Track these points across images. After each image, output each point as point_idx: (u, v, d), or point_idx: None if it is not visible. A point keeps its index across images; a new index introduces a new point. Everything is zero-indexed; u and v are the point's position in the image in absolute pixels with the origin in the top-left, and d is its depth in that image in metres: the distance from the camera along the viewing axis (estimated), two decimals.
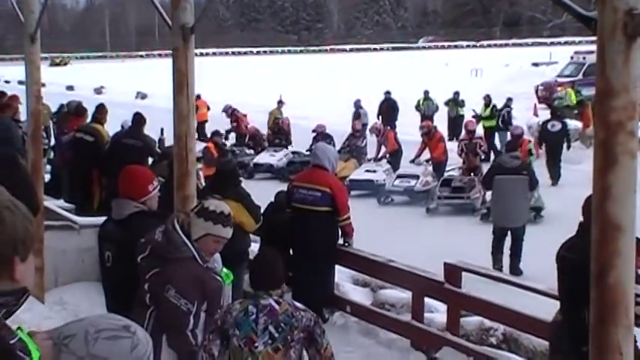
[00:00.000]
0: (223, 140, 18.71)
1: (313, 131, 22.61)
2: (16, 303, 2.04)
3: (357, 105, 28.82)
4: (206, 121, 28.62)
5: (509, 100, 26.98)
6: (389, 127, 23.87)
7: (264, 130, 26.12)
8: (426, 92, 30.50)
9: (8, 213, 1.96)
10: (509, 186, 13.44)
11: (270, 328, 4.78)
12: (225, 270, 5.45)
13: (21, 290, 2.02)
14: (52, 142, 17.84)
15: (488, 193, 17.34)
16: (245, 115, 27.05)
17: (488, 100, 26.98)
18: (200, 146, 14.37)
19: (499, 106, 26.58)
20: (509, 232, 13.36)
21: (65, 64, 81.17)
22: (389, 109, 29.61)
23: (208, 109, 29.40)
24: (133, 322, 2.15)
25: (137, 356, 2.07)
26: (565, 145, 21.97)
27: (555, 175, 20.71)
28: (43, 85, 10.05)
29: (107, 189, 12.05)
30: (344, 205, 9.74)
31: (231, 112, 27.03)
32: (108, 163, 12.36)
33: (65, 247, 10.05)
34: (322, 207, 9.63)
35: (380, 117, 28.80)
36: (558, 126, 22.12)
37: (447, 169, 20.03)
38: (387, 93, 30.52)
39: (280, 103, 28.59)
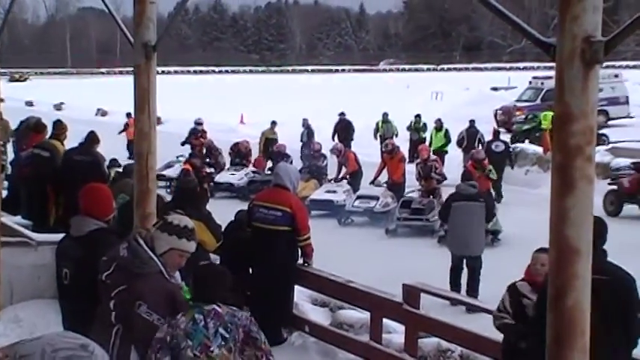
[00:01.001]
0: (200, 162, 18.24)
1: (273, 151, 22.69)
2: None
3: (306, 124, 28.89)
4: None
5: (473, 121, 26.74)
6: (348, 148, 24.01)
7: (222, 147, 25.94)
8: (385, 114, 30.43)
9: None
10: (466, 213, 13.43)
11: (221, 330, 4.80)
12: (185, 287, 5.42)
13: None
14: (10, 158, 17.62)
15: None
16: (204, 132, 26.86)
17: (439, 124, 27.13)
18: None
19: (460, 128, 26.72)
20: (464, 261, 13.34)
21: (25, 79, 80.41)
22: (343, 130, 29.62)
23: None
24: (93, 341, 2.14)
25: None
26: (509, 165, 23.04)
27: (498, 194, 20.85)
28: (2, 100, 9.96)
29: (63, 205, 11.96)
30: (304, 224, 9.75)
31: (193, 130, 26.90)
32: (60, 179, 12.32)
33: (21, 264, 9.92)
34: (282, 226, 9.63)
35: (335, 137, 28.84)
36: (502, 147, 23.47)
37: (407, 191, 20.16)
38: (342, 114, 30.44)
39: (274, 123, 28.40)
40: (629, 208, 19.60)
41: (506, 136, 29.46)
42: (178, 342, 4.77)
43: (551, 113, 31.53)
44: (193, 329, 4.77)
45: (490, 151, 22.75)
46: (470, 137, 25.68)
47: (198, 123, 27.15)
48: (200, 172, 17.20)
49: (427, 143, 25.51)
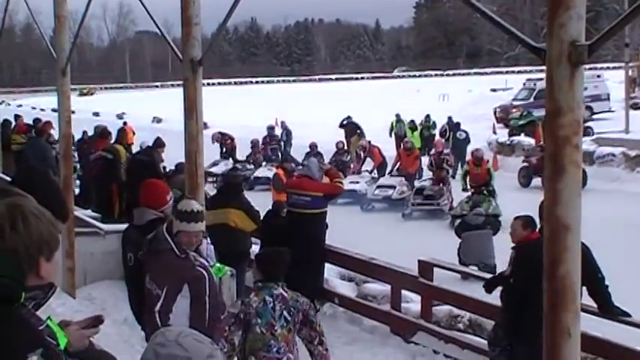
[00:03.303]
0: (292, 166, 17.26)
1: (310, 147, 22.72)
2: (44, 296, 2.04)
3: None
4: (132, 144, 22.42)
5: (450, 117, 27.73)
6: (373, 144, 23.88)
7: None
8: (398, 115, 29.83)
9: (34, 218, 1.96)
10: (476, 241, 12.79)
11: (285, 313, 4.88)
12: (217, 265, 5.40)
13: (47, 286, 2.03)
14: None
15: (457, 200, 17.45)
16: (232, 138, 25.98)
17: (413, 125, 27.04)
18: None
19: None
20: None
21: (92, 94, 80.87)
22: (350, 131, 28.29)
23: (134, 133, 25.73)
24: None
25: None
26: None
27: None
28: (73, 112, 10.03)
29: (126, 199, 12.05)
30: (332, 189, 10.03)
31: (219, 138, 26.27)
32: (125, 177, 12.45)
33: (93, 251, 10.01)
34: (311, 209, 9.65)
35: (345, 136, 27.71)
36: (464, 135, 25.52)
37: (420, 180, 20.19)
38: (348, 118, 29.29)
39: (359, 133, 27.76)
40: (536, 181, 20.80)
41: (504, 131, 29.38)
42: (250, 319, 4.84)
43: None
44: (263, 309, 4.86)
45: (455, 138, 25.24)
46: (450, 128, 26.92)
47: (270, 127, 26.64)
48: (291, 175, 16.10)
49: (439, 137, 25.58)
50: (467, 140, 25.40)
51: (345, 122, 28.95)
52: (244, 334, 4.88)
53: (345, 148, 23.47)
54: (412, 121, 27.38)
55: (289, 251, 5.26)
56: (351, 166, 22.70)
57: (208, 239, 5.45)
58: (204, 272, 5.13)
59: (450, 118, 27.72)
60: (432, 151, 21.46)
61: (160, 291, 5.00)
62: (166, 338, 2.10)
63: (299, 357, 5.01)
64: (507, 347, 6.59)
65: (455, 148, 24.43)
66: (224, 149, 25.35)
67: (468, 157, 22.43)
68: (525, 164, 22.02)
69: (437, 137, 25.85)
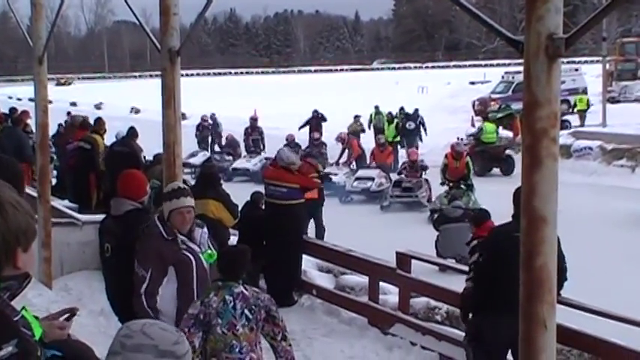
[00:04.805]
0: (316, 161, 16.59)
1: (285, 140, 22.55)
2: (19, 286, 2.03)
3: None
4: (60, 134, 23.52)
5: (417, 110, 28.09)
6: (352, 136, 23.90)
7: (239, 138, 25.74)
8: (377, 107, 29.68)
9: (11, 208, 1.94)
10: (454, 234, 12.59)
11: (246, 312, 4.78)
12: (209, 251, 5.39)
13: (23, 276, 2.01)
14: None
15: (435, 193, 17.47)
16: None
17: (390, 117, 27.15)
18: None
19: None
20: None
21: (69, 83, 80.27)
22: (317, 125, 27.30)
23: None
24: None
25: None
26: (418, 139, 25.87)
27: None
28: (50, 102, 9.94)
29: (104, 190, 11.99)
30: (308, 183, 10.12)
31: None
32: (104, 167, 12.38)
33: (69, 241, 9.96)
34: (287, 200, 9.66)
35: (303, 129, 27.27)
36: (413, 125, 26.35)
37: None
38: (315, 111, 28.35)
39: (357, 117, 28.43)
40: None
41: (481, 124, 29.46)
42: (210, 319, 4.76)
43: (586, 97, 32.42)
44: (223, 309, 4.75)
45: (404, 128, 26.17)
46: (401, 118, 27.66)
47: (253, 119, 26.40)
48: (317, 171, 15.18)
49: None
50: (417, 131, 26.23)
51: (309, 120, 28.07)
52: (205, 335, 4.76)
53: (322, 139, 23.34)
54: (390, 113, 27.44)
55: (249, 249, 5.18)
56: (327, 157, 22.61)
57: (205, 228, 5.43)
58: (190, 256, 5.15)
59: (401, 108, 28.19)
60: (405, 160, 21.18)
61: (145, 272, 5.08)
62: (131, 330, 2.13)
63: (262, 355, 4.93)
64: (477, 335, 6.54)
65: (405, 137, 25.72)
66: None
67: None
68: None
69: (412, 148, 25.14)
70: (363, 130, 27.90)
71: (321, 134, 24.25)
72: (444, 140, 25.41)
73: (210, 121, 28.43)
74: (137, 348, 2.08)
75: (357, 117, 28.47)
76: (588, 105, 32.95)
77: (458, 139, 23.76)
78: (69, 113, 16.18)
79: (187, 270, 5.13)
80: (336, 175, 20.47)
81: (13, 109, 18.98)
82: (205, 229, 5.45)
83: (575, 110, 32.99)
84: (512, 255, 5.98)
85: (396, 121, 26.67)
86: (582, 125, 30.62)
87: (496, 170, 23.18)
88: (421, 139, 26.17)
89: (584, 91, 36.37)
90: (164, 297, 5.14)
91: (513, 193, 5.72)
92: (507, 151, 23.61)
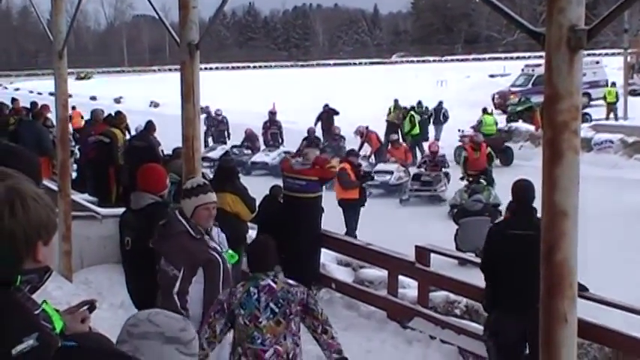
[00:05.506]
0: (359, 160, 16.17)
1: (307, 132, 22.55)
2: (40, 280, 2.03)
3: (310, 131, 27.90)
4: (81, 128, 20.80)
5: (441, 102, 29.06)
6: (370, 129, 23.79)
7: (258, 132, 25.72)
8: (396, 100, 29.52)
9: (32, 202, 1.95)
10: (473, 228, 12.55)
11: (271, 305, 4.76)
12: (230, 252, 5.40)
13: (43, 269, 2.02)
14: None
15: (454, 188, 17.40)
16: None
17: (407, 111, 26.94)
18: None
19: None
20: None
21: (89, 78, 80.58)
22: (328, 119, 27.15)
23: (82, 117, 24.33)
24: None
25: None
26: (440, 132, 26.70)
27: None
28: (70, 96, 9.99)
29: (122, 183, 12.03)
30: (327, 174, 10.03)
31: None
32: (123, 161, 12.42)
33: (89, 235, 10.00)
34: (305, 194, 9.65)
35: (320, 125, 26.92)
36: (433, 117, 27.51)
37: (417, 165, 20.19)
38: (326, 105, 28.32)
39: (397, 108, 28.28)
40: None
41: (502, 117, 29.30)
42: (233, 309, 4.77)
43: (614, 89, 32.29)
44: (246, 300, 4.76)
45: (425, 122, 26.69)
46: (436, 113, 28.63)
47: (272, 112, 26.18)
48: (359, 170, 14.54)
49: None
50: (439, 123, 27.43)
51: (320, 114, 27.84)
52: (231, 324, 4.80)
53: (341, 133, 23.27)
54: (406, 108, 27.26)
55: (273, 240, 5.16)
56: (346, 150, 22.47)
57: (219, 227, 5.42)
58: (217, 257, 5.11)
59: (440, 103, 28.94)
60: (425, 152, 21.13)
61: (178, 271, 4.97)
62: (138, 318, 2.18)
63: (297, 348, 4.88)
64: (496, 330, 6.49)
65: (419, 124, 25.91)
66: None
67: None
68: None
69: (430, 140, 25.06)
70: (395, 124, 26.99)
71: (331, 128, 24.18)
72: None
73: (214, 115, 28.36)
74: (144, 335, 2.12)
75: (396, 101, 28.59)
76: (617, 97, 32.62)
77: (459, 130, 23.95)
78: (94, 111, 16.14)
79: (215, 270, 5.06)
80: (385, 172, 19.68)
81: (33, 103, 19.12)
82: (219, 229, 5.45)
83: (604, 103, 32.71)
84: (508, 253, 6.01)
85: (411, 114, 26.39)
86: (616, 118, 30.29)
87: (496, 162, 22.96)
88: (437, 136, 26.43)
89: (606, 84, 36.10)
90: (191, 298, 5.03)
91: (512, 187, 5.66)
92: (506, 143, 23.72)
